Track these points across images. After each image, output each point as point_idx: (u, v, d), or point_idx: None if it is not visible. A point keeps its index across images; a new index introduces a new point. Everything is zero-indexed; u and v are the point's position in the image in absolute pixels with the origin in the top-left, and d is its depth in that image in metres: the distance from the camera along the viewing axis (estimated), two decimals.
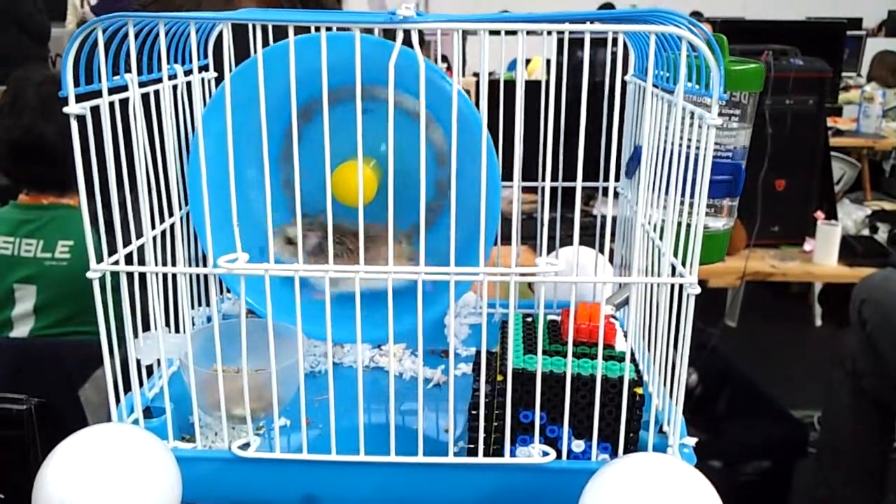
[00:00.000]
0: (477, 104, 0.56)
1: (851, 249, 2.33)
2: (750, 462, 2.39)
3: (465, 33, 0.52)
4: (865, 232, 2.55)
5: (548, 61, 0.65)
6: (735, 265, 2.31)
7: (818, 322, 3.44)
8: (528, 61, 3.27)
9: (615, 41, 0.68)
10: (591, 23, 0.50)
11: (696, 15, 5.13)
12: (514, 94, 0.57)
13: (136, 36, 0.53)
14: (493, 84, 0.61)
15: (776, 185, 2.37)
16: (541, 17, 0.48)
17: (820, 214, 2.39)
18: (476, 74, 2.53)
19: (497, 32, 0.50)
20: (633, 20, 0.50)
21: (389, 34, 0.51)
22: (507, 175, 0.67)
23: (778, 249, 2.40)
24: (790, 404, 2.54)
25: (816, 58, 2.36)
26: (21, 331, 1.71)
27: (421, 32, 0.49)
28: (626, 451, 0.55)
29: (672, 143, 0.53)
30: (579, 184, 0.52)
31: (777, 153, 2.29)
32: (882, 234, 2.51)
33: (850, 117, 3.90)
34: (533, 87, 0.57)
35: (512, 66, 3.16)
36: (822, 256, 2.31)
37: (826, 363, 2.23)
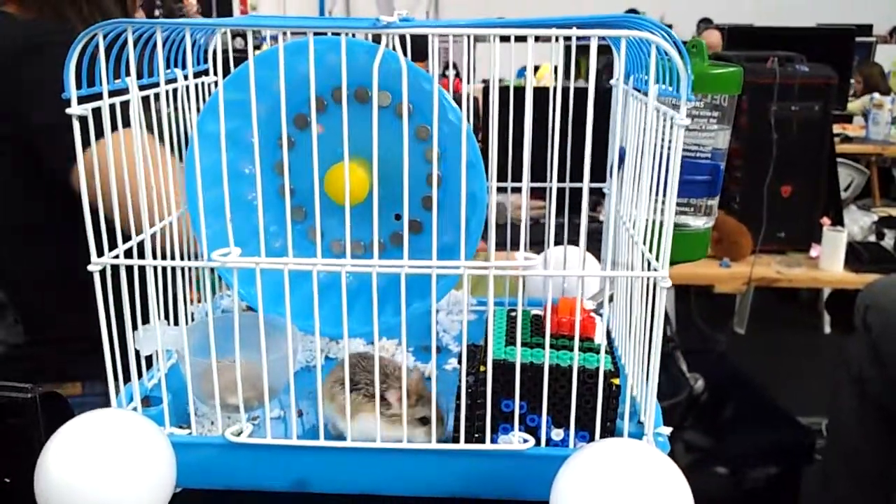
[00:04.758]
0: (485, 110, 0.58)
1: (858, 256, 2.34)
2: (756, 468, 2.39)
3: (476, 41, 0.56)
4: (872, 238, 2.56)
5: (535, 67, 0.68)
6: (740, 271, 2.32)
7: (827, 329, 3.44)
8: (536, 68, 3.29)
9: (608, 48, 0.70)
10: (570, 28, 0.52)
11: (706, 21, 5.14)
12: (519, 100, 0.59)
13: (137, 41, 0.56)
14: (501, 90, 0.64)
15: (782, 191, 2.38)
16: (517, 22, 0.51)
17: (826, 220, 2.40)
18: (485, 81, 2.56)
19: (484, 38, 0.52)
20: (606, 25, 0.52)
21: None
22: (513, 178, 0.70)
23: (784, 255, 2.40)
24: (799, 411, 2.54)
25: (822, 64, 2.37)
26: None
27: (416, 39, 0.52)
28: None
29: (645, 144, 0.55)
30: (555, 184, 0.54)
31: (783, 159, 2.31)
32: (888, 241, 2.51)
33: (859, 124, 3.91)
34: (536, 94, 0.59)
35: (521, 72, 3.19)
36: (828, 263, 2.31)
37: (834, 370, 2.23)
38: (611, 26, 0.53)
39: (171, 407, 0.63)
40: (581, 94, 0.56)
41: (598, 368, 0.57)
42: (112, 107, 0.56)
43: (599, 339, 0.60)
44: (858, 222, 2.59)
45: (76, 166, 0.53)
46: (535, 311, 0.65)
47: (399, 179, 0.57)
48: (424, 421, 0.59)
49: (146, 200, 0.59)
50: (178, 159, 0.66)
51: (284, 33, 0.55)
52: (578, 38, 0.56)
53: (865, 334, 2.03)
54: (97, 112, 0.55)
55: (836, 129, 3.59)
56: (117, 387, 0.60)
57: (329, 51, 0.59)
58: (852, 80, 4.43)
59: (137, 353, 0.61)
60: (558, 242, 0.81)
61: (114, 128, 0.56)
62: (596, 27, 0.53)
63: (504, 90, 0.67)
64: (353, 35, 0.61)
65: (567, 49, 2.58)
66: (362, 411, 0.59)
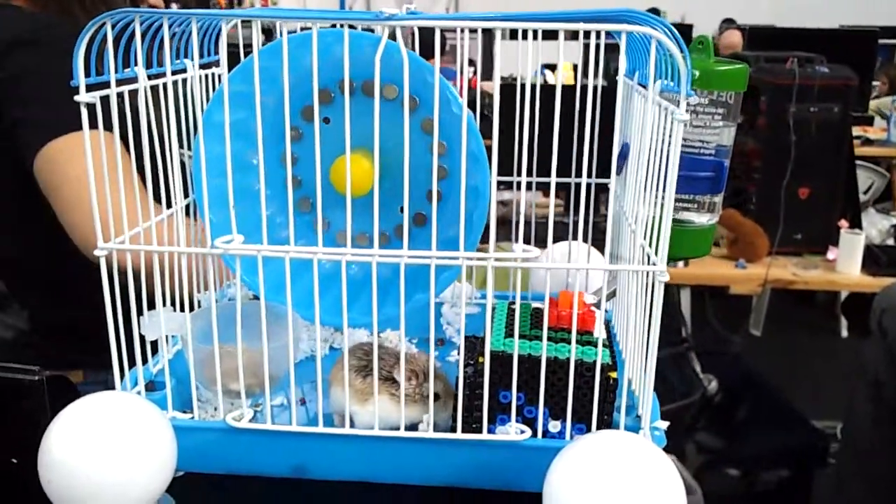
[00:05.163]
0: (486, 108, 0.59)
1: (875, 259, 2.32)
2: (769, 470, 2.38)
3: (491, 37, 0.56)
4: (890, 242, 2.54)
5: (542, 66, 0.68)
6: (756, 272, 2.31)
7: (844, 333, 3.41)
8: (554, 67, 3.28)
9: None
10: (572, 22, 0.52)
11: (728, 21, 5.12)
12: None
13: (146, 31, 0.57)
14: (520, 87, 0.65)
15: (800, 192, 2.37)
16: (520, 15, 0.51)
17: (844, 223, 2.38)
18: (503, 79, 2.56)
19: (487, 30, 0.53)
20: (606, 20, 0.52)
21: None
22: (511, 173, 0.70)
23: (800, 257, 2.39)
24: (813, 414, 2.53)
25: (842, 65, 2.35)
26: None
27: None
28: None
29: (642, 138, 0.55)
30: (553, 179, 0.55)
31: (801, 161, 2.29)
32: None
33: (881, 127, 3.87)
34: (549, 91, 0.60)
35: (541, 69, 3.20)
36: (845, 265, 2.30)
37: (851, 374, 2.22)
38: (611, 20, 0.53)
39: (175, 392, 0.64)
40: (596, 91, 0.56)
41: (595, 361, 0.57)
42: (120, 95, 0.57)
43: (598, 332, 0.60)
44: (877, 225, 2.57)
45: (36, 160, 0.53)
46: (536, 305, 0.66)
47: (401, 174, 0.58)
48: (438, 397, 0.61)
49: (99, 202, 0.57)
50: (134, 164, 0.62)
51: (294, 31, 0.56)
52: (587, 36, 0.57)
53: (881, 338, 2.02)
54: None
55: (857, 131, 3.56)
56: (122, 371, 0.61)
57: (336, 43, 0.60)
58: (877, 83, 4.39)
59: (142, 338, 0.62)
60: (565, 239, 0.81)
61: (122, 115, 0.56)
62: (596, 21, 0.53)
63: (516, 87, 0.67)
64: (370, 29, 0.62)
65: (582, 47, 2.59)
66: (380, 394, 0.60)
